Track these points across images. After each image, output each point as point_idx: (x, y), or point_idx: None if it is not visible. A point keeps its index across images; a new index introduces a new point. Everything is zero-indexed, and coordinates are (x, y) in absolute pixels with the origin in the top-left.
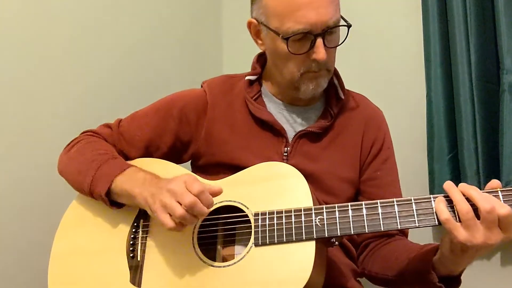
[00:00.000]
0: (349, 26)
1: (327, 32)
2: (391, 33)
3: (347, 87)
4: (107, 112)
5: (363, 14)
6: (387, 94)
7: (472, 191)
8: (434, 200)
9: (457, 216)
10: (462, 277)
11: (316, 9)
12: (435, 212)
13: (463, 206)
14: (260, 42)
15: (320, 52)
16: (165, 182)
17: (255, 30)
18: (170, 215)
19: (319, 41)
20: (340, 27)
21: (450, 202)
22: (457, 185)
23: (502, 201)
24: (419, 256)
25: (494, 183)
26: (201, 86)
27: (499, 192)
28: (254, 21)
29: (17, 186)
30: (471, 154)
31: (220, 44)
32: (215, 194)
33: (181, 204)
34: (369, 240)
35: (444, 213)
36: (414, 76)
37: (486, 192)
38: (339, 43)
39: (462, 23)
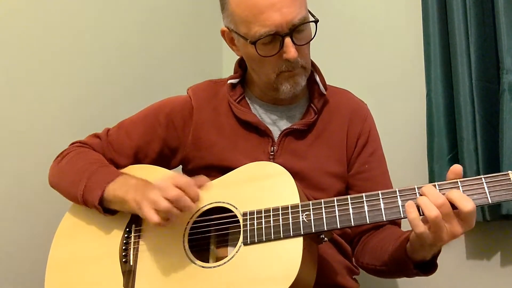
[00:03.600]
0: (316, 21)
1: (295, 31)
2: (391, 33)
3: (347, 86)
4: (107, 112)
5: (363, 14)
6: (387, 94)
7: (426, 189)
8: (418, 192)
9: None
10: (461, 277)
11: (279, 10)
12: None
13: (432, 212)
14: (235, 48)
15: (290, 51)
16: (154, 183)
17: (229, 37)
18: (157, 210)
19: (288, 40)
20: (310, 23)
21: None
22: None
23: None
24: (397, 245)
25: (456, 167)
26: (187, 93)
27: (459, 183)
28: (226, 29)
29: (14, 187)
30: (471, 154)
31: (220, 44)
32: (202, 182)
33: (166, 198)
34: (361, 234)
35: (420, 227)
36: (414, 75)
37: (447, 183)
38: (310, 39)
39: (462, 23)
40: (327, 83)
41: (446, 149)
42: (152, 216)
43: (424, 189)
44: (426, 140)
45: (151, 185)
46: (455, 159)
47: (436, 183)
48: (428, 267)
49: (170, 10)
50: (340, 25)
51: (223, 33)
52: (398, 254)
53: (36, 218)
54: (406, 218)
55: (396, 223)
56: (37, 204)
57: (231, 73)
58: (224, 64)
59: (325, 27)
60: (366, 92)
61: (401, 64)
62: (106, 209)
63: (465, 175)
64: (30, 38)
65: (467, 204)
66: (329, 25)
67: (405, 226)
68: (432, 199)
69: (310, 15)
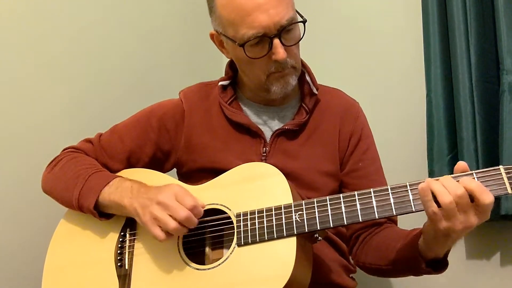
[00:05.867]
0: (304, 21)
1: (283, 31)
2: (391, 33)
3: (347, 87)
4: (107, 113)
5: (363, 14)
6: (387, 94)
7: (446, 181)
8: (410, 189)
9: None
10: (461, 277)
11: (266, 11)
12: (412, 201)
13: (445, 197)
14: (225, 51)
15: (279, 52)
16: (154, 193)
17: (218, 40)
18: (160, 226)
19: (276, 41)
20: (299, 23)
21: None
22: None
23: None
24: (406, 243)
25: (460, 165)
26: (179, 96)
27: (474, 174)
28: (215, 32)
29: (15, 187)
30: (471, 154)
31: None
32: (203, 207)
33: (172, 217)
34: (359, 232)
35: (432, 206)
36: (414, 76)
37: (461, 175)
38: (299, 39)
39: (462, 23)
40: (327, 83)
41: (446, 149)
42: (159, 234)
43: (442, 178)
44: (426, 140)
45: (149, 190)
46: (455, 159)
47: (452, 175)
48: (439, 265)
49: (170, 12)
50: (340, 26)
51: (212, 36)
52: (408, 252)
53: (32, 223)
54: (398, 215)
55: (393, 220)
56: (33, 209)
57: None
58: (224, 64)
59: (325, 27)
60: (366, 92)
61: (401, 64)
62: (101, 213)
63: None
64: (28, 39)
65: (487, 196)
66: (329, 25)
67: (404, 225)
68: (451, 190)
69: (298, 15)
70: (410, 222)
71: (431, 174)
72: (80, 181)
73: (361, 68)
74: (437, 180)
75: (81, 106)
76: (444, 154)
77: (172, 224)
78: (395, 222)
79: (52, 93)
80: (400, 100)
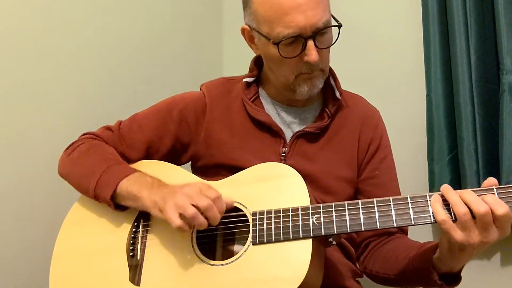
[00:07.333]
0: (339, 26)
1: (318, 34)
2: (391, 34)
3: (348, 87)
4: (109, 112)
5: (364, 15)
6: (387, 94)
7: (467, 194)
8: (430, 199)
9: (453, 216)
10: (462, 277)
11: (304, 12)
12: (431, 212)
13: (460, 208)
14: (254, 47)
15: (312, 54)
16: (178, 187)
17: (249, 35)
18: (180, 214)
19: (310, 43)
20: (332, 27)
21: (445, 201)
22: (456, 186)
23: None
24: (419, 254)
25: (491, 181)
26: (200, 89)
27: (495, 189)
28: (247, 27)
29: (18, 185)
30: (471, 154)
31: (220, 45)
32: (228, 204)
33: (194, 205)
34: (369, 239)
35: (441, 214)
36: (414, 76)
37: (483, 189)
38: (332, 43)
39: (462, 24)
40: None
41: (446, 149)
42: (175, 219)
43: (461, 191)
44: (426, 141)
45: (170, 186)
46: (455, 160)
47: (472, 189)
48: (452, 279)
49: (173, 11)
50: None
51: (243, 31)
52: (420, 262)
53: (40, 213)
54: (416, 225)
55: (404, 231)
56: (42, 201)
57: (232, 73)
58: (224, 65)
59: None
60: (366, 93)
61: (402, 65)
62: (117, 205)
63: (465, 175)
64: (36, 36)
65: (501, 207)
66: None
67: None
68: (475, 206)
69: (333, 19)
70: (419, 232)
71: (431, 174)
72: (100, 170)
73: (361, 69)
74: (456, 191)
75: (88, 104)
76: (444, 154)
77: (191, 210)
78: (406, 233)
79: (58, 92)
80: (400, 100)
